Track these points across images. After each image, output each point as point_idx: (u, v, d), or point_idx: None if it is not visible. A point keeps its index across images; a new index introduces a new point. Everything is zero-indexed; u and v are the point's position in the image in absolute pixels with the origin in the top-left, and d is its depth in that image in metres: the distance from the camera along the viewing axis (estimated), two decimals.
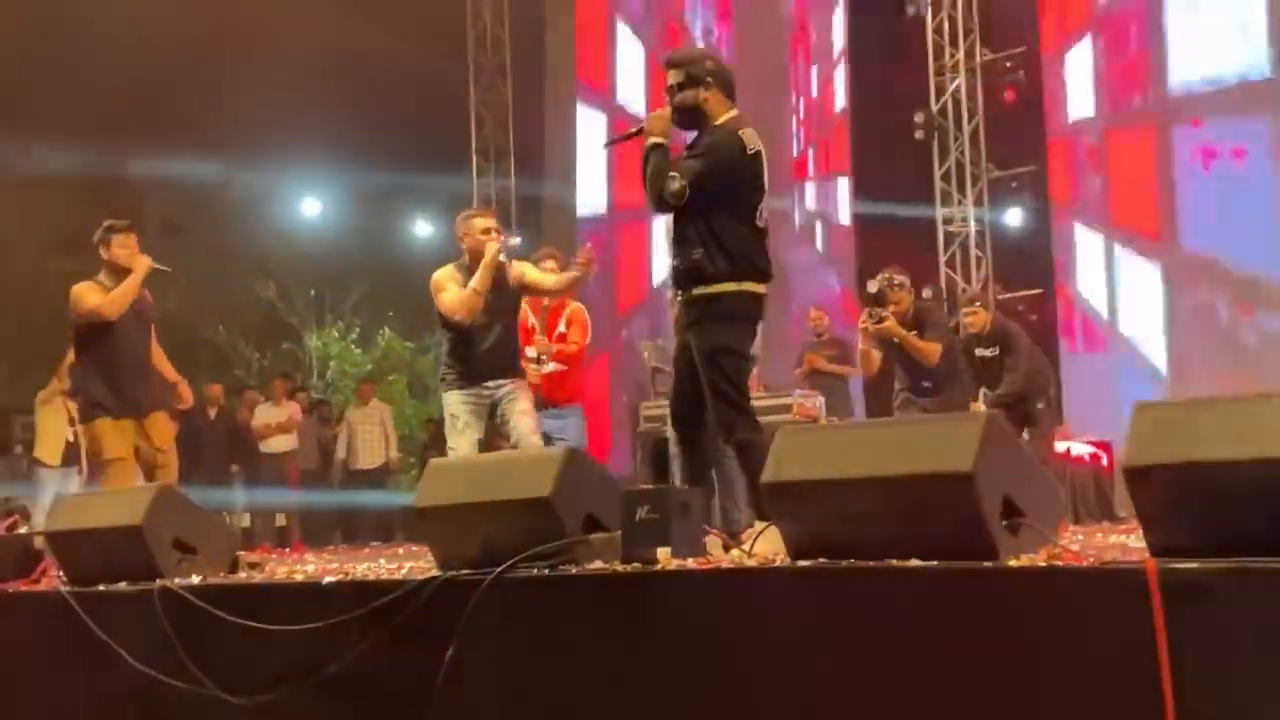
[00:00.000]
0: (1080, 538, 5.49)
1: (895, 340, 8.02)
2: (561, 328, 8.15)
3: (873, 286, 8.14)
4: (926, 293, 8.18)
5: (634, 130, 5.19)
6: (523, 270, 6.98)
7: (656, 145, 5.01)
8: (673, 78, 5.07)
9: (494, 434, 6.90)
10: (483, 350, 6.70)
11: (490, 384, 6.73)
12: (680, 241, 4.98)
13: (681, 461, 5.16)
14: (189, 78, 22.39)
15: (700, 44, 15.25)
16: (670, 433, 5.31)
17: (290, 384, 14.81)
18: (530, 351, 7.70)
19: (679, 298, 5.05)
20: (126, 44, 20.39)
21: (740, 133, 5.00)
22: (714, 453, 5.33)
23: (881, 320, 7.93)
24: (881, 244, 13.90)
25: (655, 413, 10.76)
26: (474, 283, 6.63)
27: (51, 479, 11.85)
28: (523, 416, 6.70)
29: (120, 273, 6.91)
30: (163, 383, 7.14)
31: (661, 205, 4.94)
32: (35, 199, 22.49)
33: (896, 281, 8.10)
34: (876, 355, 8.18)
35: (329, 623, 4.02)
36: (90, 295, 6.85)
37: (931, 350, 7.94)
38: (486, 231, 6.78)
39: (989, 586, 3.01)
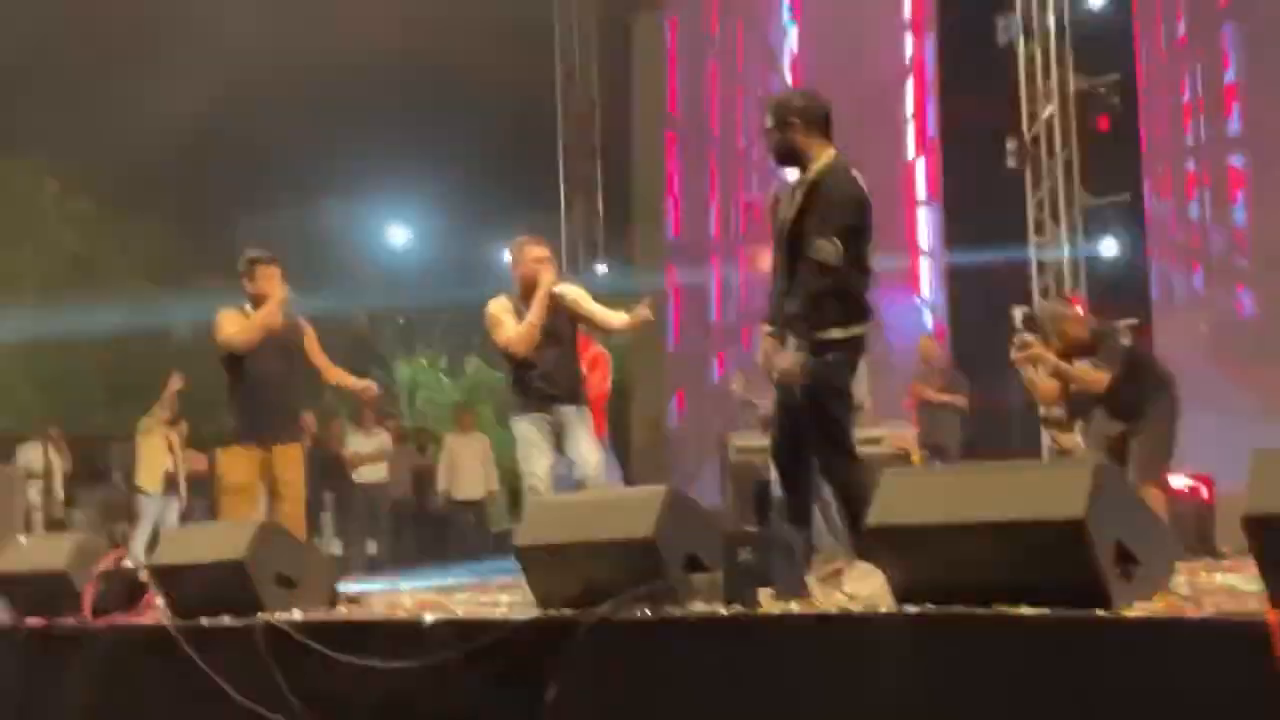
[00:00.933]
0: (1183, 577, 5.38)
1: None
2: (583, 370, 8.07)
3: (1017, 313, 7.75)
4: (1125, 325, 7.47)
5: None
6: (577, 299, 6.91)
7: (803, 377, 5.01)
8: (766, 121, 5.16)
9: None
10: (545, 376, 6.69)
11: (555, 410, 6.71)
12: (791, 285, 4.99)
13: (784, 500, 5.16)
14: (281, 107, 22.76)
15: (786, 72, 15.23)
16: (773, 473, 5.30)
17: (379, 413, 14.92)
18: None
19: (788, 341, 5.05)
20: (221, 73, 20.76)
21: (855, 176, 5.03)
22: (815, 493, 5.29)
23: (1026, 347, 7.48)
24: (973, 273, 13.78)
25: (745, 444, 10.73)
26: (530, 316, 6.65)
27: (151, 506, 12.07)
28: (587, 446, 6.67)
29: (261, 303, 7.01)
30: (298, 416, 7.34)
31: (827, 274, 4.90)
32: (130, 228, 22.95)
33: (1054, 312, 7.59)
34: (1049, 384, 7.63)
35: (430, 661, 4.04)
36: (227, 324, 6.95)
37: (1096, 380, 7.28)
38: (539, 260, 6.75)
39: (1103, 635, 2.96)
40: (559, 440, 6.71)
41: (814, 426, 4.92)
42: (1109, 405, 7.36)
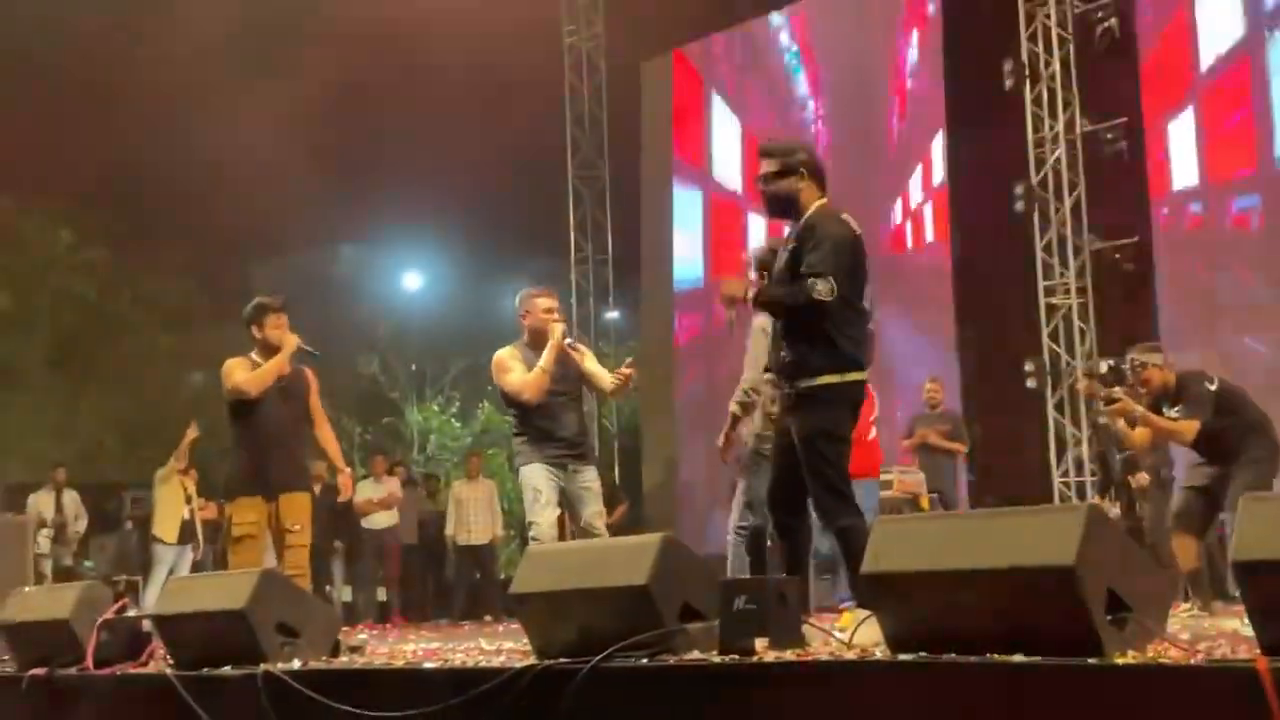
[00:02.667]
0: (1191, 619, 5.40)
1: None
2: None
3: (1103, 366, 7.67)
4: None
5: (730, 316, 5.25)
6: (585, 356, 6.96)
7: (759, 292, 5.15)
8: (767, 167, 5.12)
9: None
10: (562, 429, 6.65)
11: (570, 467, 6.67)
12: (787, 333, 5.01)
13: (781, 548, 5.14)
14: (292, 156, 22.91)
15: (799, 117, 15.33)
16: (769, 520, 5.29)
17: (389, 460, 14.95)
18: None
19: (784, 388, 5.06)
20: (233, 120, 20.94)
21: (845, 218, 5.04)
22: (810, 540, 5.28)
23: (1112, 401, 7.36)
24: (982, 317, 13.79)
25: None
26: (542, 363, 6.61)
27: (167, 556, 12.10)
28: (594, 505, 6.65)
29: (270, 351, 6.97)
30: (304, 464, 7.17)
31: (815, 308, 4.89)
32: (146, 275, 23.09)
33: (1138, 362, 7.40)
34: (1141, 433, 7.54)
35: (429, 709, 4.04)
36: (236, 372, 6.92)
37: (1183, 429, 7.21)
38: (549, 311, 6.76)
39: (1094, 684, 2.95)
40: (567, 498, 6.68)
41: (809, 470, 4.91)
42: (1202, 450, 7.28)
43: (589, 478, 6.71)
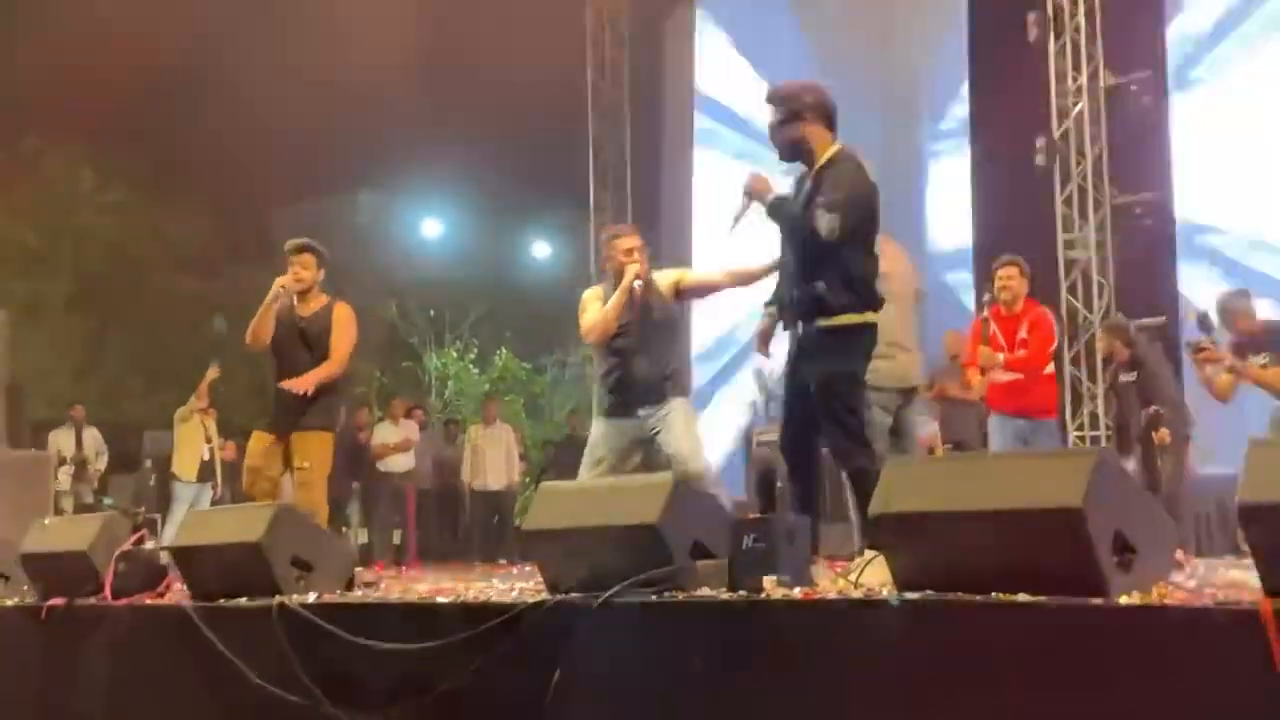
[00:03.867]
0: (1201, 570, 5.41)
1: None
2: (1022, 333, 7.83)
3: (1193, 313, 7.58)
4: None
5: (744, 205, 5.20)
6: (679, 277, 6.55)
7: (775, 200, 5.07)
8: (773, 115, 5.14)
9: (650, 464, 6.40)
10: (630, 374, 6.33)
11: (642, 412, 6.32)
12: (802, 272, 5.00)
13: (791, 489, 5.17)
14: (314, 101, 22.88)
15: (819, 68, 15.23)
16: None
17: (408, 403, 15.01)
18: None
19: (796, 328, 5.06)
20: (257, 68, 20.90)
21: (864, 163, 5.04)
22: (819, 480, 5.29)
23: (1202, 349, 7.28)
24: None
25: (767, 438, 10.76)
26: (608, 304, 6.31)
27: (186, 494, 12.21)
28: (679, 438, 6.21)
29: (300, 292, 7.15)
30: (322, 403, 7.05)
31: (816, 242, 4.90)
32: (166, 219, 23.15)
33: (1230, 308, 7.39)
34: (1225, 380, 7.48)
35: (441, 642, 4.09)
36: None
37: (1275, 378, 7.19)
38: (629, 252, 6.37)
39: (1099, 623, 2.97)
40: (652, 444, 6.31)
41: (827, 413, 4.93)
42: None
43: (662, 414, 6.27)
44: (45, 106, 19.89)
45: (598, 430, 6.41)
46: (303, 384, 6.90)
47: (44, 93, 19.65)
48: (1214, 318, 7.56)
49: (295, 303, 7.15)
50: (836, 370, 4.92)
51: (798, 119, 5.07)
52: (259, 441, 6.99)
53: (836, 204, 4.86)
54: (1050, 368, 7.94)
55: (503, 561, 12.60)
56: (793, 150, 5.12)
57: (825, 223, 4.82)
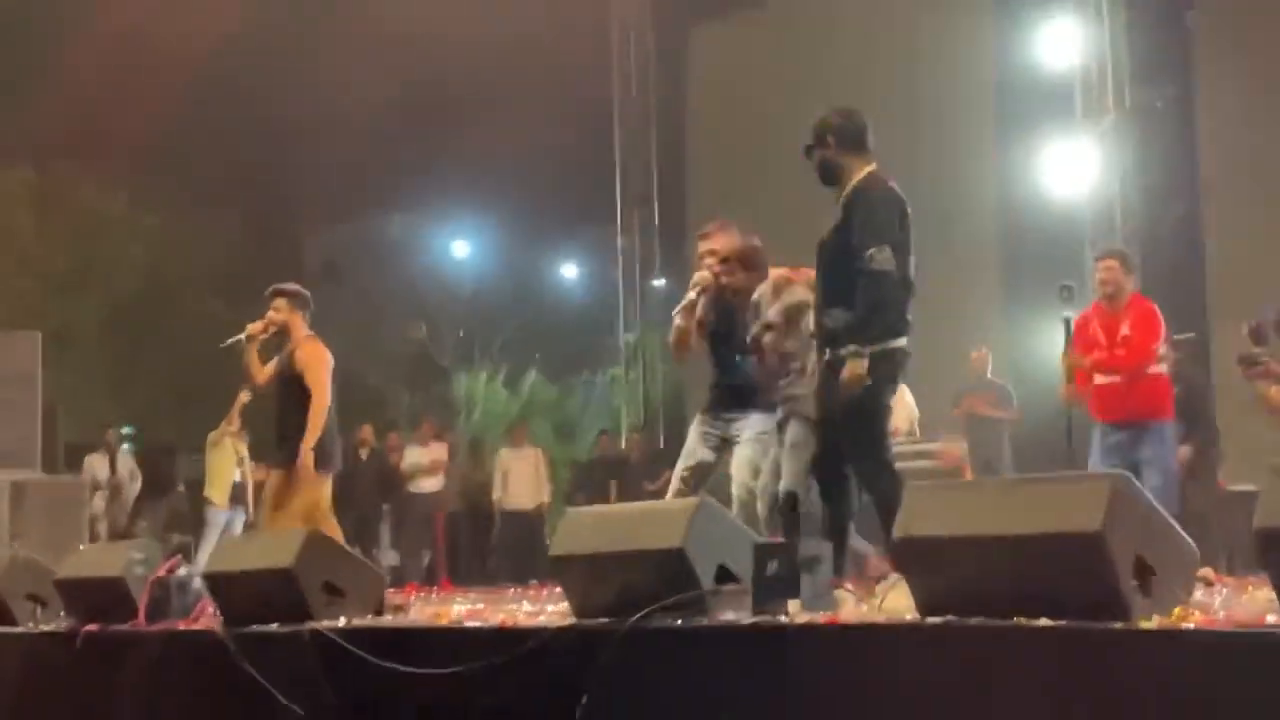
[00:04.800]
0: (1225, 592, 5.40)
1: None
2: (1124, 330, 7.10)
3: (1244, 326, 7.40)
4: None
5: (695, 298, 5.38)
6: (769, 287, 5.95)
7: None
8: (806, 139, 5.21)
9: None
10: (719, 376, 6.18)
11: (725, 415, 6.13)
12: (831, 297, 5.03)
13: (824, 511, 5.22)
14: (346, 124, 23.04)
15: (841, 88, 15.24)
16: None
17: (437, 425, 15.08)
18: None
19: (824, 353, 5.09)
20: (288, 89, 21.07)
21: (892, 185, 5.07)
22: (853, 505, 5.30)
23: (1255, 364, 7.17)
24: (1031, 286, 13.70)
25: None
26: (676, 311, 6.15)
27: (219, 518, 12.27)
28: (741, 463, 6.02)
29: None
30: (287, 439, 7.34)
31: (847, 270, 4.93)
32: (199, 241, 23.33)
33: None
34: (1276, 392, 7.35)
35: (470, 666, 4.13)
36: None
37: None
38: (703, 256, 6.18)
39: (1120, 647, 2.99)
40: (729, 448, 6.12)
41: (853, 438, 4.96)
42: None
43: (741, 426, 6.04)
44: (80, 130, 20.09)
45: (693, 425, 6.26)
46: (305, 457, 7.17)
47: (79, 117, 19.85)
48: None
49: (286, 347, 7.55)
50: (862, 397, 4.94)
51: (824, 145, 5.13)
52: (273, 479, 7.42)
53: (880, 235, 4.89)
54: (1158, 367, 7.14)
55: (533, 583, 12.63)
56: (825, 175, 5.18)
57: (883, 260, 4.86)
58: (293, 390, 7.34)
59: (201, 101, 19.99)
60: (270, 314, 7.48)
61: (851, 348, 4.89)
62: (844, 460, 5.12)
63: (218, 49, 18.42)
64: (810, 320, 5.45)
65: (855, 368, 4.85)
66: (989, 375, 11.39)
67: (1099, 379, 7.01)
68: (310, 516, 7.14)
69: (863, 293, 4.89)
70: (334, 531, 6.93)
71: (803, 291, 5.61)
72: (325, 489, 7.34)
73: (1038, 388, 11.54)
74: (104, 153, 20.99)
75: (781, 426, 5.65)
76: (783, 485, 5.49)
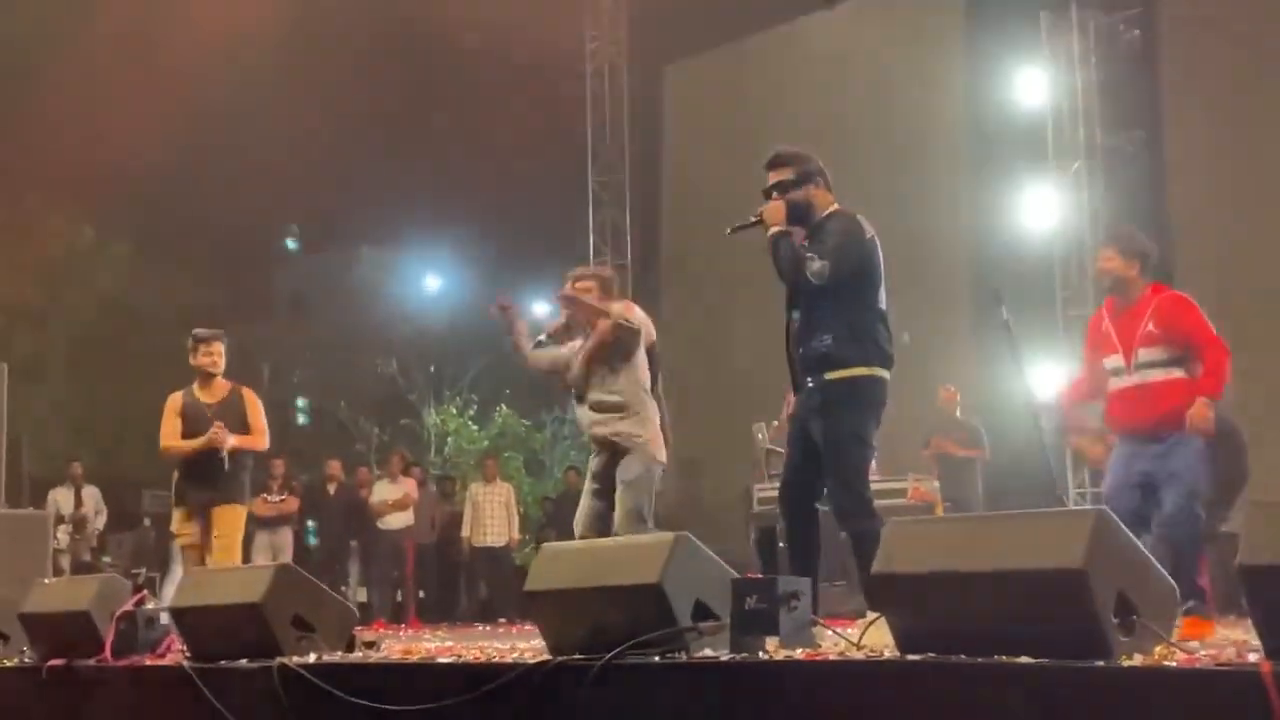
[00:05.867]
0: (1219, 632, 5.40)
1: None
2: (1149, 326, 6.02)
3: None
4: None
5: (754, 220, 5.23)
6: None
7: (783, 234, 5.09)
8: (780, 175, 5.21)
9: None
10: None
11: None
12: (809, 327, 5.04)
13: (790, 547, 5.17)
14: (316, 157, 23.01)
15: (816, 126, 15.32)
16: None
17: (405, 460, 14.99)
18: None
19: (807, 383, 5.08)
20: (257, 122, 21.02)
21: (859, 218, 5.10)
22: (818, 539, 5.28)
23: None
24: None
25: (769, 494, 10.75)
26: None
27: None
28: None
29: (204, 377, 7.82)
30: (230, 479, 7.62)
31: (804, 286, 4.97)
32: (166, 275, 23.22)
33: None
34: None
35: (443, 704, 4.08)
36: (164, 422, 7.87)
37: None
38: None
39: (1101, 685, 2.97)
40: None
41: (833, 472, 4.94)
42: None
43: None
44: (46, 164, 19.99)
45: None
46: (226, 442, 7.47)
47: (45, 150, 19.75)
48: None
49: (198, 391, 7.73)
50: (845, 428, 4.93)
51: (808, 181, 5.17)
52: (182, 518, 7.68)
53: (826, 251, 4.95)
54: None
55: (502, 621, 12.55)
56: (797, 212, 5.18)
57: (815, 267, 4.89)
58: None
59: (170, 133, 19.90)
60: (216, 359, 7.76)
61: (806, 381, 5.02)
62: (813, 495, 5.09)
63: (186, 80, 18.38)
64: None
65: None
66: (958, 414, 11.42)
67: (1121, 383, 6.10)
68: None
69: (820, 323, 5.03)
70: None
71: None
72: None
73: (1008, 423, 11.59)
74: (72, 184, 20.89)
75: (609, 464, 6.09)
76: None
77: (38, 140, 19.67)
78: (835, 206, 5.18)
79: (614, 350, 6.26)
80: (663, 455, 6.33)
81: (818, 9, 15.67)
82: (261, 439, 7.74)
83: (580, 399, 6.40)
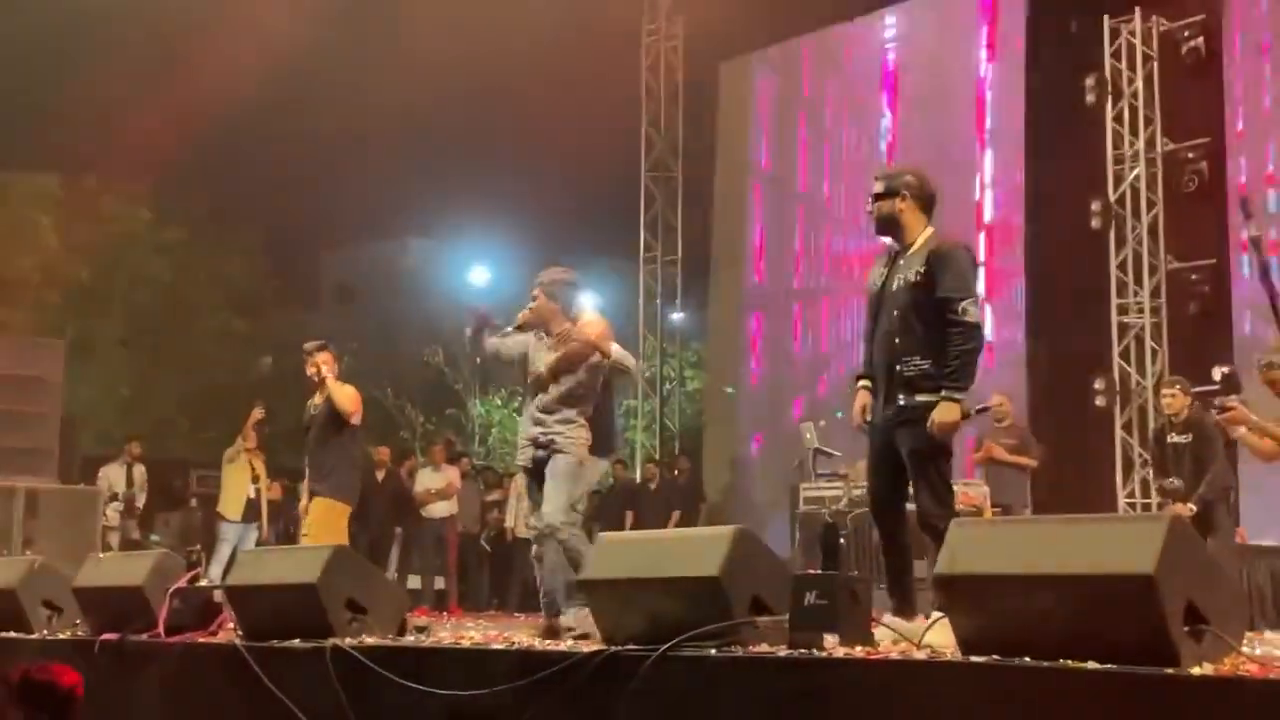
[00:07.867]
0: (1257, 647, 5.31)
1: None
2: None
3: (1217, 372, 7.35)
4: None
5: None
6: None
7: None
8: (875, 187, 5.33)
9: None
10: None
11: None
12: (905, 348, 5.14)
13: (885, 553, 5.33)
14: (369, 147, 23.11)
15: (874, 127, 15.24)
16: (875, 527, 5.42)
17: (449, 449, 15.00)
18: None
19: (899, 400, 5.12)
20: (312, 112, 21.14)
21: (969, 246, 5.29)
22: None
23: (1225, 410, 6.95)
24: (1053, 332, 13.65)
25: (815, 494, 10.70)
26: None
27: (230, 534, 12.23)
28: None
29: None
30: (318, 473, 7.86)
31: (974, 332, 5.09)
32: (218, 260, 23.42)
33: (1264, 363, 7.06)
34: (1267, 444, 7.08)
35: (495, 689, 4.08)
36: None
37: None
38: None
39: (1169, 694, 2.93)
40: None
41: (923, 478, 5.03)
42: (1171, 467, 7.20)
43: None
44: (106, 146, 20.17)
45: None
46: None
47: (105, 132, 19.93)
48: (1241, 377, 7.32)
49: (317, 397, 8.07)
50: (934, 445, 5.06)
51: (894, 195, 5.26)
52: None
53: (957, 287, 5.08)
54: None
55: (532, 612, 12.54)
56: (883, 223, 5.32)
57: (973, 312, 5.04)
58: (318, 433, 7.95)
59: (227, 118, 20.04)
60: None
61: (943, 393, 5.04)
62: (902, 500, 5.26)
63: (245, 68, 18.47)
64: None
65: (949, 413, 5.01)
66: (1010, 421, 11.31)
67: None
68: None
69: (958, 342, 5.06)
70: None
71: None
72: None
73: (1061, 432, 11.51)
74: (129, 166, 21.09)
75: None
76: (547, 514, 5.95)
77: (97, 123, 19.86)
78: (927, 230, 5.27)
79: (576, 368, 6.58)
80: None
81: (874, 9, 15.56)
82: (346, 404, 7.95)
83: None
